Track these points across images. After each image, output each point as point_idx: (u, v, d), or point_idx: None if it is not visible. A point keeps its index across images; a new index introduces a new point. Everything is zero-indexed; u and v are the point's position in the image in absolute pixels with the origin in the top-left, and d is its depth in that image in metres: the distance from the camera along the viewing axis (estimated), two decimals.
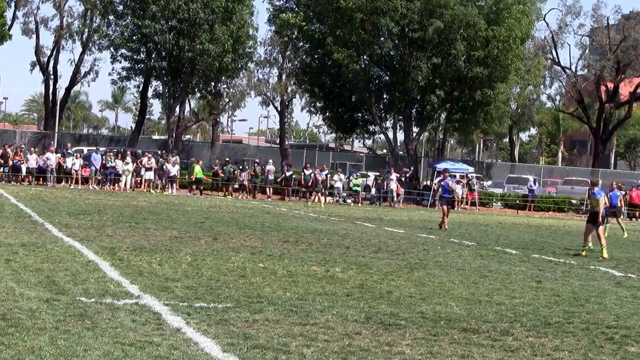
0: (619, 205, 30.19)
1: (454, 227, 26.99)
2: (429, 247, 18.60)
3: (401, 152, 51.22)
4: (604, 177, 57.22)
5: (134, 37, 49.58)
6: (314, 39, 48.50)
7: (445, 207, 26.15)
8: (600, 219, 19.22)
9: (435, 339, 8.16)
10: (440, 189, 27.66)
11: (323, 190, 41.88)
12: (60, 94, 60.02)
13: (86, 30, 58.68)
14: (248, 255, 14.29)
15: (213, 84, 53.45)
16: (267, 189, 43.07)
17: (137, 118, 70.20)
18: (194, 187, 42.26)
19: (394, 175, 44.65)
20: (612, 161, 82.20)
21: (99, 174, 41.36)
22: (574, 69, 64.22)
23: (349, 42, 45.73)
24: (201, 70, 49.84)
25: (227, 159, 47.56)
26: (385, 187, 44.86)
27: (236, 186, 42.99)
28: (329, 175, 43.99)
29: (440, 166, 48.43)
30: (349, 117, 51.39)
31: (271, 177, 43.28)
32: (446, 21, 44.22)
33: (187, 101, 59.36)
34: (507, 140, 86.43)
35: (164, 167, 41.93)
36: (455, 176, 47.37)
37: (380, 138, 61.69)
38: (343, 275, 12.50)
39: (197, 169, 42.60)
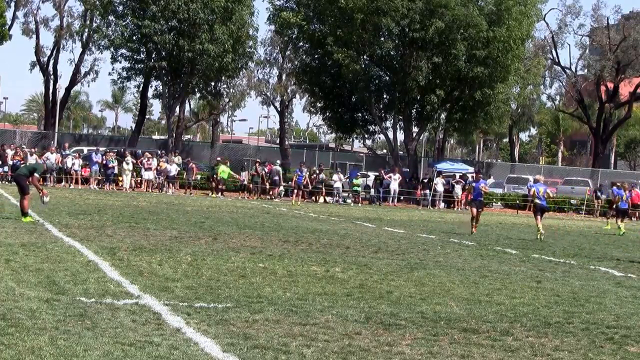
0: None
1: (453, 227, 26.99)
2: (429, 247, 18.60)
3: (401, 152, 51.22)
4: (604, 177, 57.30)
5: (134, 37, 49.62)
6: (314, 38, 48.49)
7: (475, 210, 24.30)
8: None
9: (435, 339, 8.15)
10: (472, 191, 25.73)
11: (303, 189, 42.08)
12: (60, 94, 60.06)
13: (86, 30, 58.70)
14: (248, 255, 14.29)
15: (213, 84, 53.48)
16: (272, 190, 42.85)
17: (137, 118, 70.25)
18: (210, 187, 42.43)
19: (397, 176, 44.78)
20: (612, 161, 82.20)
21: (98, 174, 41.39)
22: (574, 69, 64.32)
23: (349, 42, 45.72)
24: (201, 70, 49.85)
25: (219, 158, 47.16)
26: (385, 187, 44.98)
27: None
28: (312, 175, 43.81)
29: (440, 166, 48.59)
30: (349, 117, 51.39)
31: (276, 177, 42.99)
32: (447, 21, 44.21)
33: (187, 101, 59.42)
34: (507, 140, 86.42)
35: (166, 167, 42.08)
36: (454, 176, 47.48)
37: (380, 138, 61.76)
38: (343, 275, 12.49)
39: (223, 169, 42.57)
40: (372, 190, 46.13)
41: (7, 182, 38.92)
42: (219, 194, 41.67)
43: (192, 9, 47.21)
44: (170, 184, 42.15)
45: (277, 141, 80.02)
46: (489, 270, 14.35)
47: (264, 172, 43.04)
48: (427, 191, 45.59)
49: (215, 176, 42.24)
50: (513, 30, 44.80)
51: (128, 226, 18.83)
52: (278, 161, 45.45)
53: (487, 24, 45.02)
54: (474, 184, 25.57)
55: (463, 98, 48.41)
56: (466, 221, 27.49)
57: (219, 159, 45.92)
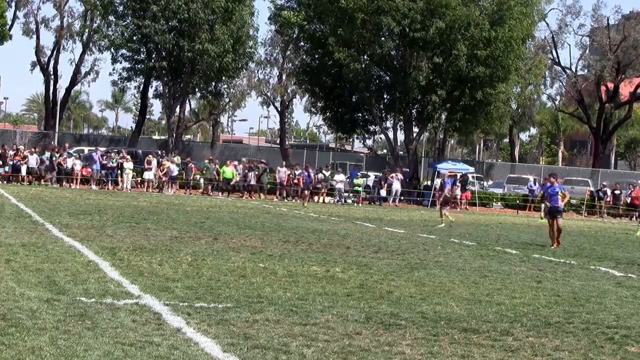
0: None
1: (453, 228, 26.96)
2: (429, 247, 18.60)
3: (401, 152, 51.20)
4: (603, 177, 57.30)
5: (134, 38, 49.59)
6: (315, 38, 48.47)
7: (552, 220, 21.41)
8: None
9: (435, 339, 8.16)
10: (545, 198, 22.55)
11: (311, 190, 41.91)
12: (61, 94, 60.08)
13: (86, 30, 58.68)
14: (248, 255, 14.29)
15: (213, 84, 53.43)
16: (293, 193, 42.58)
17: (137, 118, 70.23)
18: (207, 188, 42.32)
19: (399, 175, 44.76)
20: (612, 161, 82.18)
21: (99, 174, 41.38)
22: (574, 69, 64.28)
23: (350, 41, 45.68)
24: (201, 70, 49.81)
25: (210, 157, 46.71)
26: (386, 187, 44.90)
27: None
28: (314, 175, 43.33)
29: (440, 166, 48.49)
30: (350, 117, 51.32)
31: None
32: (448, 21, 44.17)
33: (187, 101, 59.37)
34: (507, 140, 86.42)
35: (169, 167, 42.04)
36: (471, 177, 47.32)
37: (380, 138, 61.70)
38: (343, 275, 12.50)
39: (227, 170, 42.36)
40: (376, 191, 45.94)
41: (6, 182, 38.91)
42: (221, 193, 41.63)
43: (192, 9, 47.20)
44: (171, 184, 42.12)
45: (278, 141, 80.00)
46: (489, 270, 14.35)
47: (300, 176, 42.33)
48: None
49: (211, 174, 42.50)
50: (514, 30, 44.77)
51: (128, 226, 18.84)
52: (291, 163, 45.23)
53: (489, 23, 44.97)
54: (549, 190, 22.26)
55: (464, 98, 48.32)
56: (467, 221, 27.47)
57: (209, 158, 45.74)
